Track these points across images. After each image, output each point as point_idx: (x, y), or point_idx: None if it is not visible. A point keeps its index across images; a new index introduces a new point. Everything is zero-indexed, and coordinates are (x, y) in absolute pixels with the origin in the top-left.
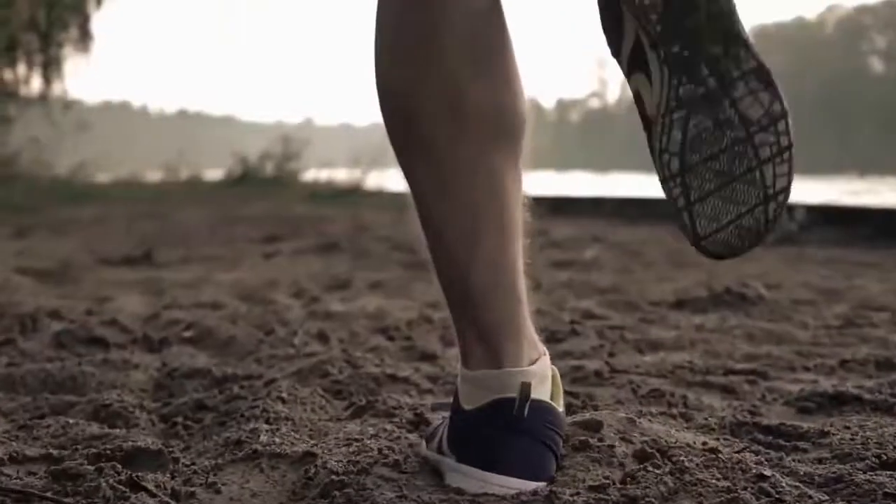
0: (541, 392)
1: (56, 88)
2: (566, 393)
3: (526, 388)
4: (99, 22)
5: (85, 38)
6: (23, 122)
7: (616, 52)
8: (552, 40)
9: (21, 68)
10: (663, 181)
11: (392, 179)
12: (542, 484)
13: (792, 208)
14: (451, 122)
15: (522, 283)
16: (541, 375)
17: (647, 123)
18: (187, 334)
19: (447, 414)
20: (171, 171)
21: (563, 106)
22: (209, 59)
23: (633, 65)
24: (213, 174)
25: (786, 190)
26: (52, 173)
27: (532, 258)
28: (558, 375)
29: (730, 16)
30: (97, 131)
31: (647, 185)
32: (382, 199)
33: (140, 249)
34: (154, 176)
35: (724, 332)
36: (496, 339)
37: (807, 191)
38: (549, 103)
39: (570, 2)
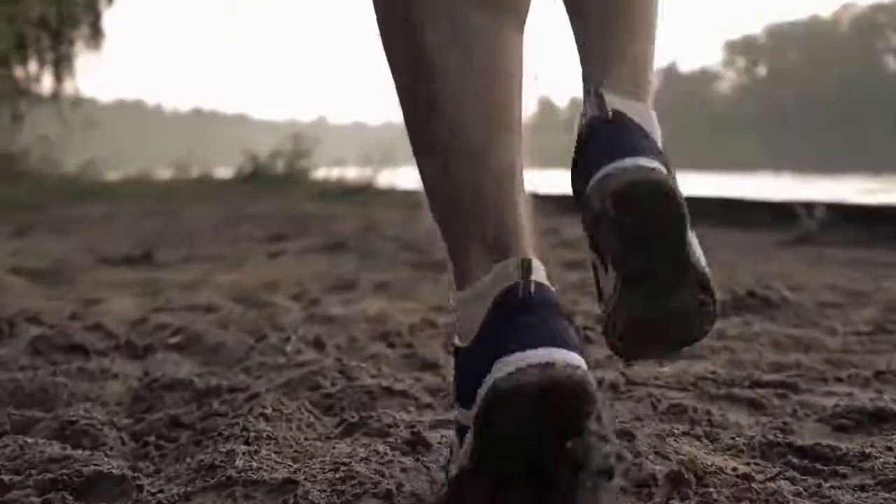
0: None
1: (68, 86)
2: None
3: (526, 262)
4: (112, 20)
5: (96, 35)
6: (33, 120)
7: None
8: (564, 38)
9: (32, 66)
10: (606, 337)
11: (403, 177)
12: (573, 355)
13: (810, 207)
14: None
15: (522, 188)
16: (540, 269)
17: (599, 293)
18: (174, 340)
19: (447, 431)
20: (181, 169)
21: (576, 104)
22: (223, 58)
23: (591, 245)
24: (225, 172)
25: (706, 334)
26: (62, 171)
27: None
28: None
29: (680, 255)
30: (110, 130)
31: None
32: (393, 197)
33: (140, 249)
34: (165, 174)
35: (749, 339)
36: (507, 232)
37: (822, 190)
38: (561, 102)
39: None
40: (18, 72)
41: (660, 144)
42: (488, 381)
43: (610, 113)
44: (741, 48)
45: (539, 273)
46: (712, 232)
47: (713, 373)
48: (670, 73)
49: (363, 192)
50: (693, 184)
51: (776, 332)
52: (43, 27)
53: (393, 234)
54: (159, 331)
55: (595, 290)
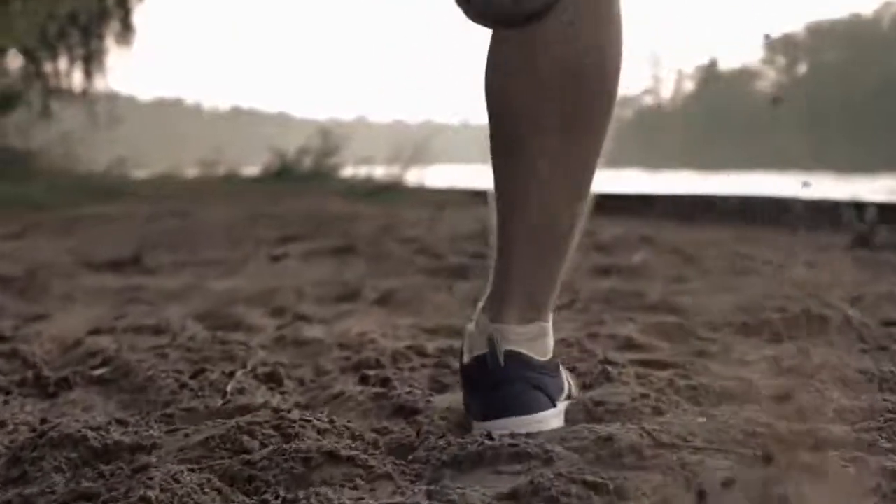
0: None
1: (98, 83)
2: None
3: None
4: (151, 15)
5: (127, 31)
6: (61, 117)
7: None
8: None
9: (63, 62)
10: None
11: (433, 175)
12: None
13: (860, 207)
14: None
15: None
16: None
17: None
18: (99, 372)
19: None
20: (207, 168)
21: (617, 103)
22: (262, 56)
23: None
24: (254, 170)
25: None
26: (86, 169)
27: (571, 262)
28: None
29: None
30: (146, 128)
31: (701, 184)
32: (421, 195)
33: (133, 252)
34: (192, 172)
35: (808, 373)
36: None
37: (865, 189)
38: None
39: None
40: (47, 68)
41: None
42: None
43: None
44: (781, 46)
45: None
46: (758, 234)
47: (767, 426)
48: (710, 71)
49: (391, 191)
50: (734, 183)
51: (841, 365)
52: (72, 22)
53: (412, 235)
54: (87, 359)
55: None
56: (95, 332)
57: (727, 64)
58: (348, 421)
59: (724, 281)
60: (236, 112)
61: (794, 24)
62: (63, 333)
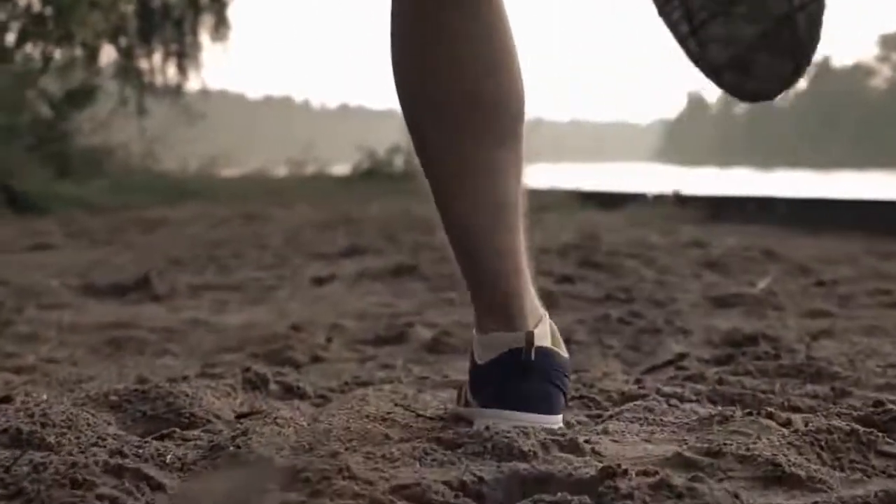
0: (544, 342)
1: (193, 79)
2: None
3: (530, 336)
4: (261, 13)
5: (221, 26)
6: (153, 114)
7: None
8: None
9: (157, 58)
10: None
11: (534, 177)
12: (555, 417)
13: None
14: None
15: (524, 263)
16: (542, 334)
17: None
18: None
19: None
20: (296, 167)
21: (728, 98)
22: (369, 52)
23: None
24: (345, 169)
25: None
26: (170, 168)
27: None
28: (556, 330)
29: None
30: (252, 125)
31: (820, 185)
32: None
33: (145, 273)
34: (283, 172)
35: None
36: (507, 313)
37: None
38: (712, 96)
39: None
40: (143, 63)
41: None
42: (486, 421)
43: None
44: None
45: (541, 337)
46: (891, 245)
47: None
48: (823, 68)
49: None
50: (850, 183)
51: None
52: (165, 16)
53: None
54: None
55: None
56: None
57: (840, 61)
58: None
59: (873, 317)
60: (344, 109)
61: None
62: None
